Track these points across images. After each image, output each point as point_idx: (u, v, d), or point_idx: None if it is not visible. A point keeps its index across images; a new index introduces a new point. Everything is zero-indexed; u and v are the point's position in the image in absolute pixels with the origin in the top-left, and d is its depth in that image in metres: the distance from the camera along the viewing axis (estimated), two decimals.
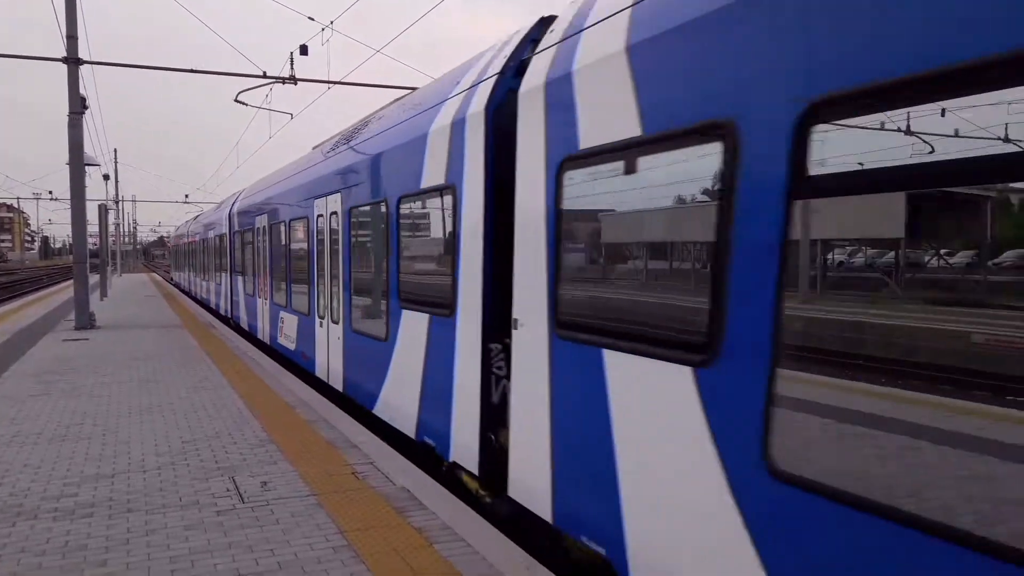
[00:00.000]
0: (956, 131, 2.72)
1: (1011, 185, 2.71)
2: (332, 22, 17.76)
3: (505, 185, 5.96)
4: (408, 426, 8.00)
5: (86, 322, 19.12)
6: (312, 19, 18.68)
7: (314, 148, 14.69)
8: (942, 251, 2.98)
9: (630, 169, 4.56)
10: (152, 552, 5.06)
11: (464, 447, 6.67)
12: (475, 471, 6.47)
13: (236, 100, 20.05)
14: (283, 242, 14.40)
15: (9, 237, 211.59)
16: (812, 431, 3.24)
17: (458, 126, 6.75)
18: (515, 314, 5.72)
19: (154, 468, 6.98)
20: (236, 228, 20.89)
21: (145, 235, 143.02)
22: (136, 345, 16.01)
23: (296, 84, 19.58)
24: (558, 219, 5.17)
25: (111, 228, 44.49)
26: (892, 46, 2.87)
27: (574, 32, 5.23)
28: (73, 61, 18.11)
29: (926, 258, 3.10)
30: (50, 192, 77.01)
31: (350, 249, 10.09)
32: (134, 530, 5.46)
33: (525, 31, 6.50)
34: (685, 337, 4.03)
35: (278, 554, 5.04)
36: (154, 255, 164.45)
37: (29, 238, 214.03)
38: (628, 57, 4.46)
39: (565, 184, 5.10)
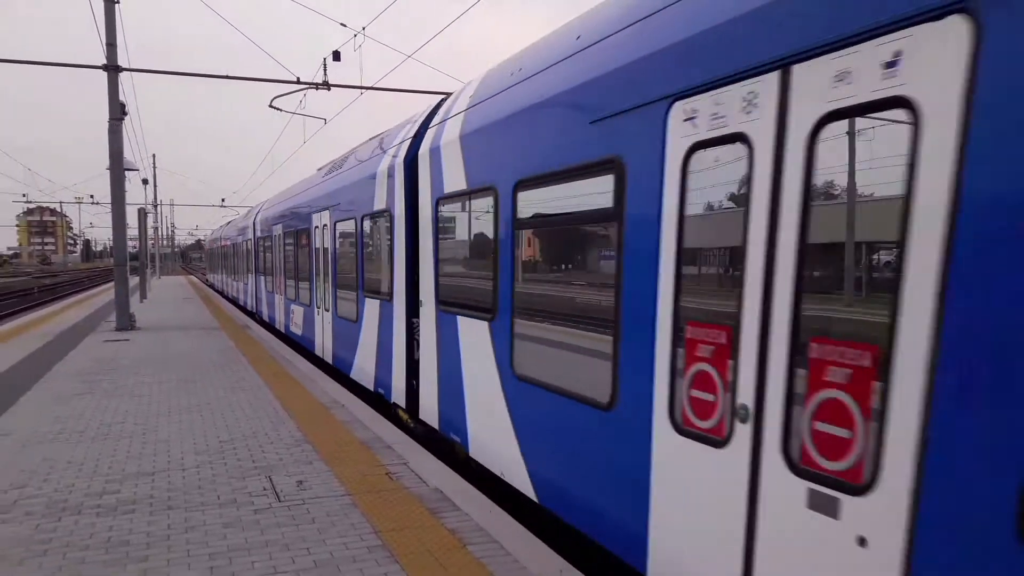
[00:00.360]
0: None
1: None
2: (364, 28, 17.95)
3: (416, 211, 8.92)
4: (369, 382, 11.15)
5: (126, 323, 19.52)
6: (344, 25, 18.87)
7: (318, 170, 17.61)
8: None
9: (463, 207, 7.51)
10: (192, 549, 5.16)
11: (399, 391, 9.65)
12: (404, 406, 9.44)
13: (271, 106, 20.32)
14: (292, 247, 17.72)
15: (52, 240, 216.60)
16: (528, 352, 6.06)
17: (391, 170, 9.86)
18: (420, 297, 8.67)
19: (193, 467, 7.11)
20: (259, 234, 24.44)
21: (182, 238, 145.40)
22: (175, 346, 16.30)
23: (329, 89, 19.79)
24: (436, 235, 8.14)
25: (150, 231, 45.34)
26: (536, 161, 5.79)
27: (443, 119, 8.18)
28: (113, 68, 18.50)
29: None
30: (91, 196, 78.66)
31: (335, 253, 13.20)
32: (174, 527, 5.57)
33: (430, 109, 9.46)
34: (486, 306, 6.83)
35: (314, 553, 5.11)
36: (191, 258, 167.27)
37: (71, 241, 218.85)
38: (460, 142, 7.40)
39: (441, 213, 8.04)
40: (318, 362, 15.51)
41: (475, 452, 7.19)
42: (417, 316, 8.84)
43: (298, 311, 17.18)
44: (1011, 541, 2.55)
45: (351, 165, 12.67)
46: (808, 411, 3.34)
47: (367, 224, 11.11)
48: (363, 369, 11.45)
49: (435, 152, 8.04)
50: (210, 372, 12.68)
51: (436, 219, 8.10)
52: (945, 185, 2.77)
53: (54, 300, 42.87)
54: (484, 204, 6.88)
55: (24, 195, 75.23)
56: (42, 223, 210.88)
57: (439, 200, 7.98)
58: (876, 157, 3.09)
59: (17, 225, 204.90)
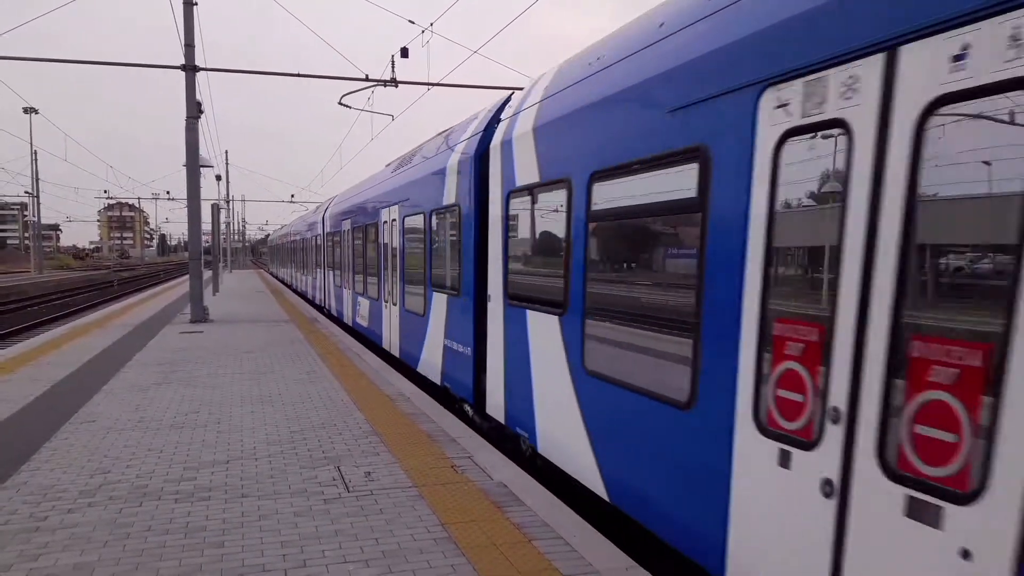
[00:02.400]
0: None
1: None
2: (432, 24, 18.07)
3: (486, 206, 8.98)
4: (436, 376, 11.28)
5: (200, 315, 20.16)
6: (412, 22, 19.06)
7: (387, 166, 17.78)
8: None
9: (536, 200, 7.44)
10: (264, 536, 5.31)
11: (465, 386, 9.81)
12: (471, 401, 9.54)
13: (340, 103, 20.68)
14: (361, 242, 18.05)
15: (131, 235, 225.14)
16: (600, 350, 6.04)
17: (460, 164, 9.90)
18: (488, 291, 8.79)
19: (265, 456, 7.31)
20: (328, 229, 25.15)
21: (253, 233, 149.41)
22: (246, 338, 16.77)
23: (397, 86, 20.00)
24: (506, 229, 8.22)
25: (222, 227, 46.67)
26: (613, 151, 5.74)
27: (515, 112, 8.22)
28: (190, 68, 19.09)
29: None
30: (167, 192, 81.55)
31: (403, 248, 13.38)
32: (248, 514, 5.73)
33: (499, 103, 9.64)
34: (557, 301, 6.83)
35: (382, 543, 5.19)
36: (261, 252, 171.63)
37: (148, 236, 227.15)
38: (534, 134, 7.38)
39: (511, 207, 8.08)
40: (384, 355, 15.88)
41: (543, 448, 7.15)
42: (485, 311, 8.90)
43: (365, 305, 17.50)
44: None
45: (418, 161, 12.74)
46: (909, 413, 3.15)
47: (435, 219, 11.16)
48: (430, 363, 11.49)
49: (507, 145, 8.06)
50: (280, 363, 13.00)
51: (507, 213, 8.11)
52: None
53: (132, 293, 44.59)
54: (557, 197, 6.81)
55: (105, 191, 78.29)
56: (121, 218, 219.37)
57: (510, 194, 7.97)
58: (992, 146, 2.89)
59: (98, 220, 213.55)
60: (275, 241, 65.92)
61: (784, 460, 3.87)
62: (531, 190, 7.45)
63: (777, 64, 3.93)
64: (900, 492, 3.15)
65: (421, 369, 12.07)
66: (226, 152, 65.08)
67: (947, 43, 2.98)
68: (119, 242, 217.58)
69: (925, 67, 3.06)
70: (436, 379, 11.21)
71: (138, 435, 8.07)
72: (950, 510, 2.95)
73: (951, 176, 3.02)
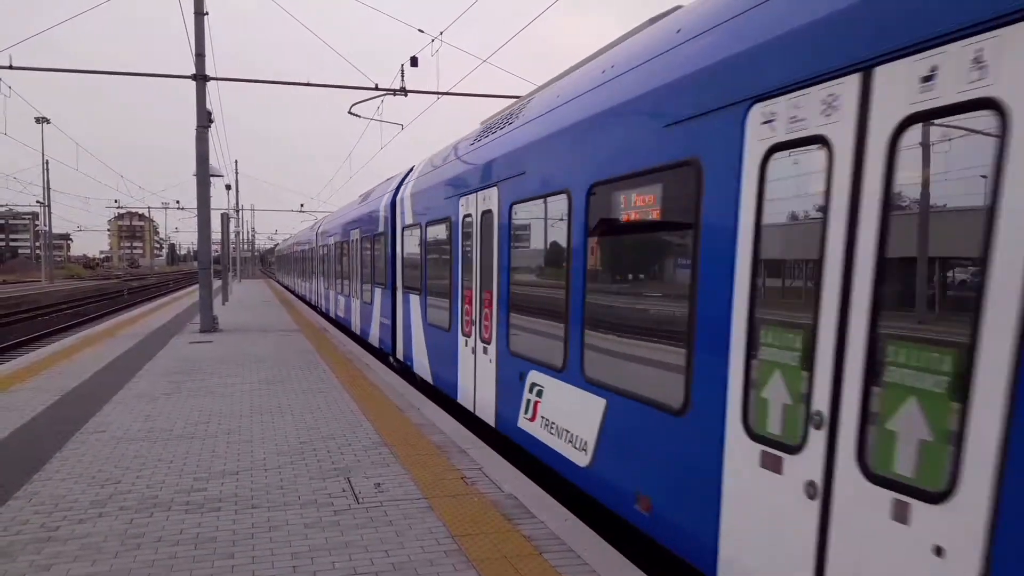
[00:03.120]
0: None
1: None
2: (441, 33, 18.15)
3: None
4: (375, 341, 17.17)
5: (210, 325, 20.22)
6: (422, 31, 19.16)
7: (359, 196, 22.02)
8: None
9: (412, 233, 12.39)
10: (275, 548, 5.30)
11: (386, 344, 15.90)
12: (390, 351, 15.18)
13: (350, 112, 20.76)
14: (339, 253, 23.00)
15: (140, 244, 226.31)
16: (432, 311, 11.40)
17: (387, 205, 15.12)
18: (396, 284, 14.45)
19: (275, 467, 7.31)
20: (318, 243, 31.11)
21: (262, 242, 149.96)
22: (256, 348, 16.81)
23: (407, 95, 20.10)
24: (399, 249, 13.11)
25: (232, 236, 46.86)
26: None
27: (407, 179, 13.66)
28: (201, 78, 19.22)
29: None
30: (177, 202, 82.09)
31: (366, 257, 18.44)
32: (258, 525, 5.73)
33: (408, 170, 15.01)
34: (418, 287, 11.93)
35: (392, 555, 5.18)
36: (270, 262, 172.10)
37: (158, 245, 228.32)
38: (410, 197, 13.04)
39: (403, 235, 13.28)
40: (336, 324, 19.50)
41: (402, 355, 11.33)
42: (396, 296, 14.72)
43: (334, 294, 24.99)
44: (508, 354, 5.07)
45: (356, 203, 18.32)
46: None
47: (368, 240, 17.75)
48: (373, 334, 17.06)
49: (401, 199, 14.23)
50: (290, 374, 13.02)
51: (400, 239, 13.43)
52: None
53: (142, 302, 44.76)
54: (417, 233, 12.44)
55: (116, 201, 78.73)
56: (131, 228, 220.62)
57: (403, 229, 13.24)
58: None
59: (108, 230, 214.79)
60: (281, 252, 69.91)
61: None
62: (411, 227, 12.96)
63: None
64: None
65: (371, 340, 17.60)
66: (236, 162, 65.44)
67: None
68: (129, 251, 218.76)
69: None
70: (375, 343, 17.00)
71: (148, 445, 8.08)
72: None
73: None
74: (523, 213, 7.91)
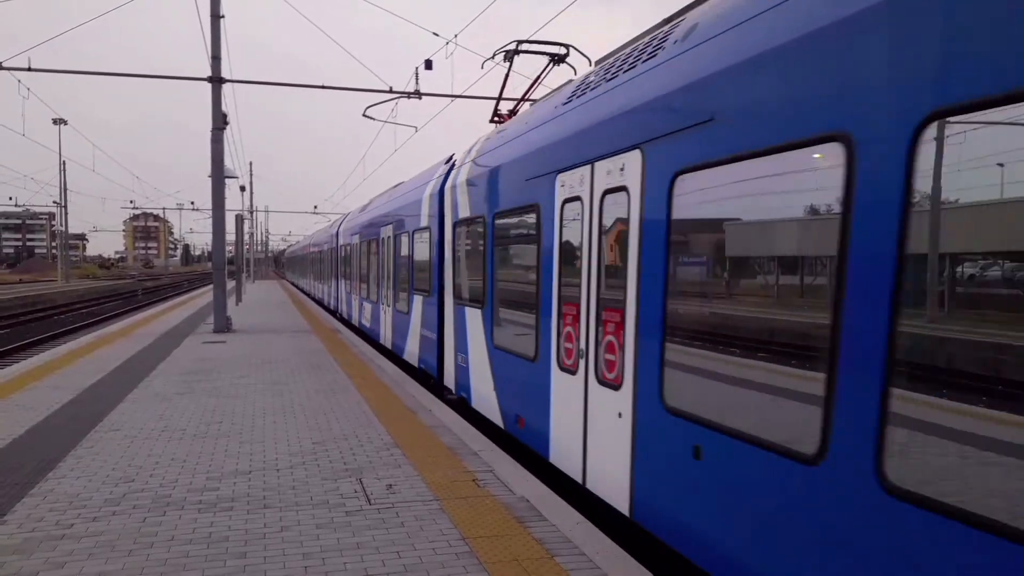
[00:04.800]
0: None
1: None
2: (456, 36, 18.18)
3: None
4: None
5: (223, 325, 20.32)
6: (436, 34, 19.20)
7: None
8: None
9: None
10: (287, 548, 5.31)
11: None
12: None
13: (364, 115, 20.83)
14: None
15: (155, 245, 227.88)
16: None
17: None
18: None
19: (287, 467, 7.33)
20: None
21: (275, 243, 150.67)
22: (269, 348, 16.87)
23: (420, 98, 20.14)
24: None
25: (246, 237, 47.10)
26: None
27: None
28: (217, 80, 19.34)
29: None
30: (192, 203, 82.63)
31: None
32: (270, 525, 5.74)
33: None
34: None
35: (404, 556, 5.18)
36: (284, 263, 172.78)
37: (172, 245, 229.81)
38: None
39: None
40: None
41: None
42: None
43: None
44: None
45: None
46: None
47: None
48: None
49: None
50: (302, 374, 13.06)
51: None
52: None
53: (156, 303, 45.06)
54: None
55: (132, 202, 79.32)
56: (146, 228, 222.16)
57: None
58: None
59: (124, 230, 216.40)
60: (294, 252, 68.54)
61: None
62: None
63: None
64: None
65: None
66: (250, 164, 65.72)
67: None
68: (143, 252, 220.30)
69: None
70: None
71: (162, 444, 8.13)
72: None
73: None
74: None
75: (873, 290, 3.44)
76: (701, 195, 4.96)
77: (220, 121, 19.65)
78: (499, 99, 12.67)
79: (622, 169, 5.95)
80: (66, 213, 69.59)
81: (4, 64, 18.37)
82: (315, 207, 79.06)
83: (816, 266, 4.04)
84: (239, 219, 31.18)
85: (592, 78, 7.32)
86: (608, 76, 6.75)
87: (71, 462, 7.40)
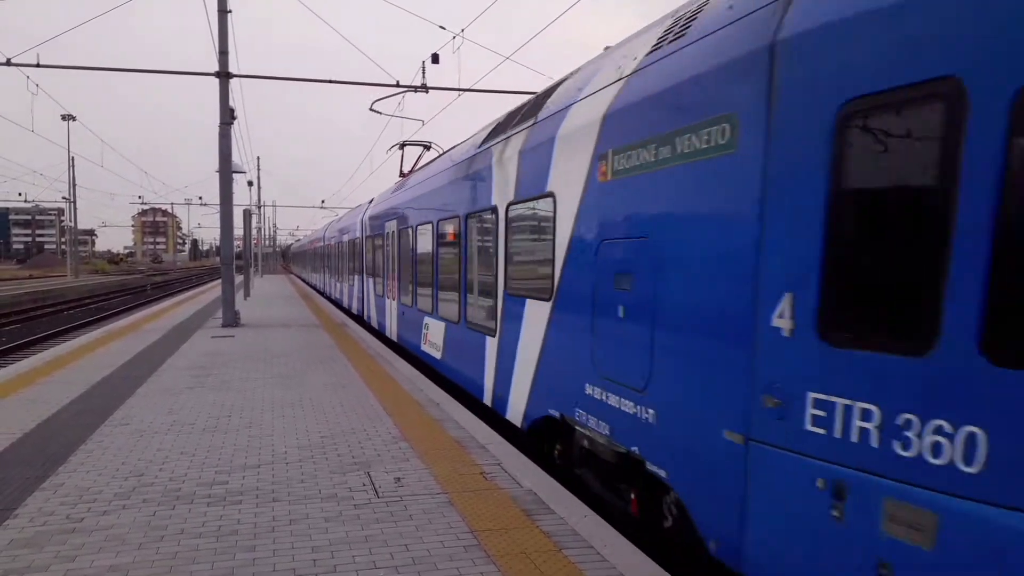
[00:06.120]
0: None
1: None
2: (463, 30, 18.15)
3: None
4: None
5: (232, 320, 20.38)
6: (443, 28, 19.17)
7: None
8: None
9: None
10: (296, 541, 5.33)
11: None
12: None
13: (371, 109, 20.83)
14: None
15: (163, 240, 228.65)
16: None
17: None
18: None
19: (296, 460, 7.35)
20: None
21: (283, 238, 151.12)
22: (277, 343, 16.92)
23: (427, 92, 20.13)
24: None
25: (253, 232, 47.24)
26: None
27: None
28: (224, 75, 19.37)
29: None
30: (200, 198, 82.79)
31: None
32: (279, 519, 5.76)
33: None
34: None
35: (412, 549, 5.19)
36: (290, 257, 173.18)
37: (180, 240, 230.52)
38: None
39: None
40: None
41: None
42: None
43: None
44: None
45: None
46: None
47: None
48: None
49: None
50: (311, 368, 13.10)
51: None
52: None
53: (165, 297, 45.23)
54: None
55: (140, 197, 79.65)
56: (154, 223, 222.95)
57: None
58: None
59: (132, 226, 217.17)
60: (302, 247, 67.59)
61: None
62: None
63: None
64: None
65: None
66: (258, 158, 65.89)
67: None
68: (152, 247, 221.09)
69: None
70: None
71: (171, 438, 8.16)
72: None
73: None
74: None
75: None
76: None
77: (227, 116, 19.68)
78: (401, 174, 19.33)
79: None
80: (75, 209, 69.93)
81: (13, 60, 18.44)
82: (323, 202, 79.28)
83: None
84: (247, 214, 31.25)
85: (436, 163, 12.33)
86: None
87: (81, 456, 7.44)
